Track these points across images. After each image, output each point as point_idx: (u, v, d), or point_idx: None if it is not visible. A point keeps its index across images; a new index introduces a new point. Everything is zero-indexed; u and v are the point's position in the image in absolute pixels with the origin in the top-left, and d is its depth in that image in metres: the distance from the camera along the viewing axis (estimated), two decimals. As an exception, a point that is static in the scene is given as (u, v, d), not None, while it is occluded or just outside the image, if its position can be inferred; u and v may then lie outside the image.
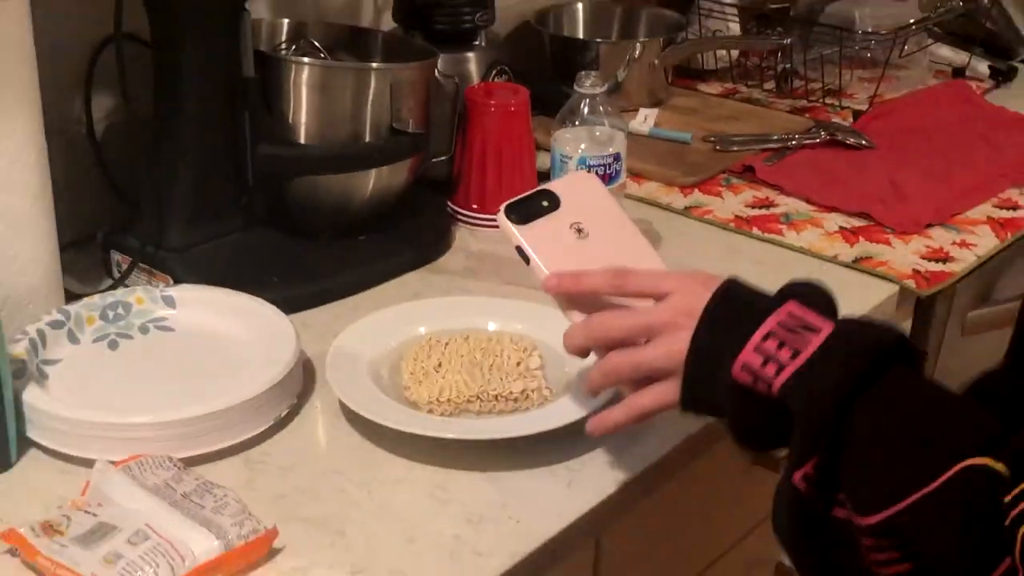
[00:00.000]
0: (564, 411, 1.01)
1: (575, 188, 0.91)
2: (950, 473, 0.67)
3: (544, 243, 0.87)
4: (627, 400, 0.86)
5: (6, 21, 1.01)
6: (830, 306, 0.79)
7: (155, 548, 0.84)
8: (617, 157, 1.22)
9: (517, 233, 0.87)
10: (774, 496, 0.75)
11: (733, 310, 0.78)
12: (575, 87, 1.23)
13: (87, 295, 1.14)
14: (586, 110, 1.23)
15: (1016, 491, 0.65)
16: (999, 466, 0.66)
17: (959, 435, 0.69)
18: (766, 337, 0.74)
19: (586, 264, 0.86)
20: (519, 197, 0.89)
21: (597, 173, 1.22)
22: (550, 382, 1.06)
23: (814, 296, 0.78)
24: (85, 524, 0.87)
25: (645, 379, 0.85)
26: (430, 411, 1.02)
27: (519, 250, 0.88)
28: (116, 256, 1.23)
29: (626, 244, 0.89)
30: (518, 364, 1.07)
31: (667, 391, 0.82)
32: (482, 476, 0.97)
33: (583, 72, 1.23)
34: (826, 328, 0.74)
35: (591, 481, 0.97)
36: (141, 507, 0.88)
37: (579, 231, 0.88)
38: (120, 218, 1.26)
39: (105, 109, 1.30)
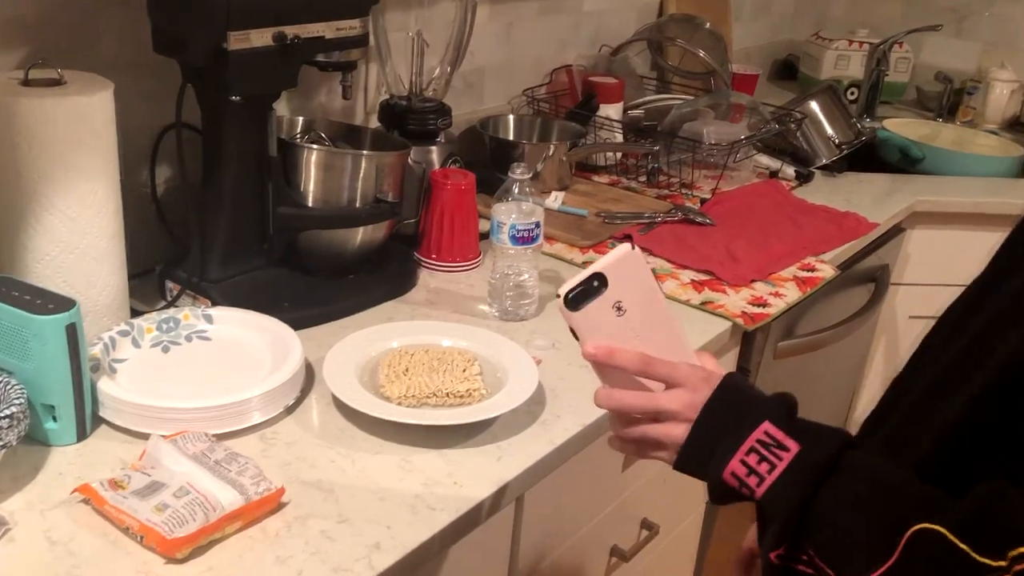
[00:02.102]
0: (496, 406, 1.00)
1: (622, 267, 0.75)
2: (904, 540, 0.62)
3: (591, 322, 0.75)
4: (640, 429, 0.79)
5: (96, 110, 0.98)
6: (791, 413, 0.74)
7: (194, 500, 0.82)
8: (538, 224, 1.21)
9: (571, 319, 0.74)
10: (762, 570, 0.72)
11: (723, 417, 0.74)
12: (509, 174, 1.22)
13: (147, 312, 1.11)
14: (516, 190, 1.22)
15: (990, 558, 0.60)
16: (943, 529, 0.61)
17: (905, 506, 0.64)
18: (748, 452, 0.71)
19: (622, 337, 0.75)
20: (576, 283, 0.74)
21: (522, 236, 1.21)
22: (486, 384, 1.05)
23: (781, 411, 0.73)
24: (141, 481, 0.84)
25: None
26: (399, 403, 1.01)
27: (572, 330, 0.76)
28: (169, 284, 1.21)
29: (656, 320, 0.77)
30: (464, 370, 1.06)
31: (663, 455, 0.79)
32: (436, 452, 0.96)
33: (515, 163, 1.23)
34: (793, 448, 0.70)
35: (515, 457, 0.97)
36: (184, 469, 0.86)
37: (619, 309, 0.75)
38: (173, 257, 1.23)
39: (165, 176, 1.27)
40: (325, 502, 0.88)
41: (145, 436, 0.92)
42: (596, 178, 1.79)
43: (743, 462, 0.71)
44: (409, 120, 1.44)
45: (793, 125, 1.88)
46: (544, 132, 1.77)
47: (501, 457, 0.97)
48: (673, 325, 0.78)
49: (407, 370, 1.05)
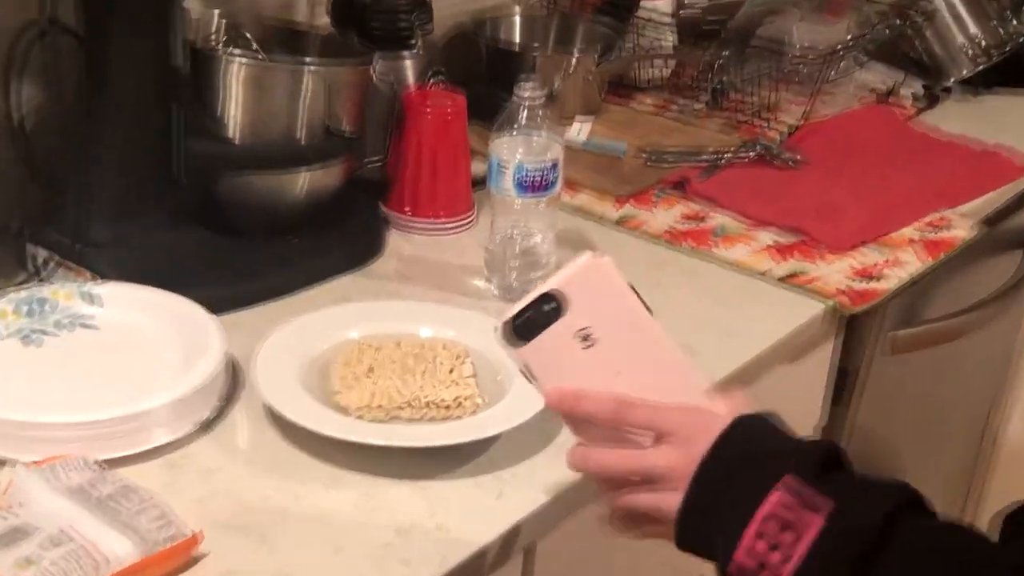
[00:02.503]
0: (496, 420, 1.01)
1: (586, 282, 0.76)
2: None
3: (548, 359, 0.76)
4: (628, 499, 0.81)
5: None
6: (829, 462, 0.74)
7: (73, 552, 0.82)
8: (554, 165, 1.21)
9: (519, 355, 0.76)
10: None
11: (729, 475, 0.74)
12: (515, 94, 1.22)
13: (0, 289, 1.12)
14: (524, 117, 1.21)
15: None
16: None
17: None
18: (767, 519, 0.72)
19: (594, 376, 0.77)
20: (519, 308, 0.75)
21: (533, 182, 1.21)
22: (483, 391, 1.05)
23: (811, 460, 0.74)
24: (1, 526, 0.84)
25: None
26: (360, 417, 1.01)
27: (523, 371, 0.78)
28: (34, 250, 1.20)
29: (644, 350, 0.78)
30: (451, 371, 1.06)
31: (660, 531, 0.79)
32: (411, 484, 0.97)
33: (523, 77, 1.22)
34: (825, 508, 0.71)
35: (521, 492, 0.97)
36: (59, 508, 0.86)
37: (585, 339, 0.76)
38: (41, 210, 1.22)
39: (28, 97, 1.26)
40: (257, 555, 0.88)
41: (2, 463, 0.92)
42: (637, 101, 1.79)
43: (760, 533, 0.71)
44: (373, 19, 1.43)
45: (916, 24, 1.87)
46: (564, 36, 1.76)
47: (503, 493, 0.97)
48: (671, 356, 0.78)
49: (371, 370, 1.05)
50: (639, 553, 1.19)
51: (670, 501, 0.75)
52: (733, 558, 0.72)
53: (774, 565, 0.71)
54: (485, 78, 1.66)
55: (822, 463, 0.73)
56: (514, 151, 1.21)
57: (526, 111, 1.22)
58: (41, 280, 1.17)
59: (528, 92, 1.21)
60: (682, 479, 0.75)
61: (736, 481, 0.74)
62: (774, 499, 0.72)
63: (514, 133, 1.22)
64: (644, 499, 0.78)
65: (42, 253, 1.19)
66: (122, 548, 0.83)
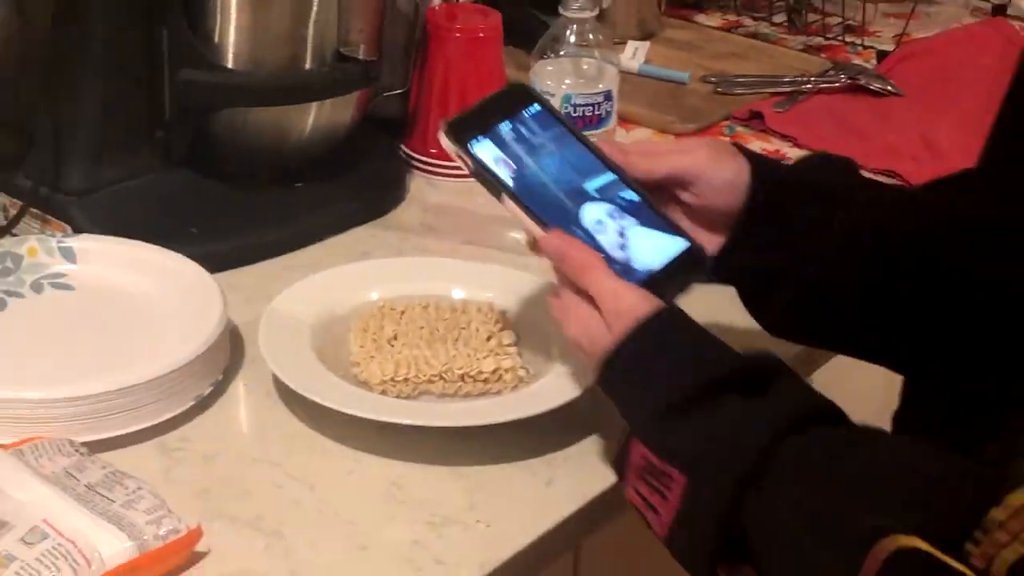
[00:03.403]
0: (544, 396, 1.02)
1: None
2: (877, 565, 0.72)
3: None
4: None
5: None
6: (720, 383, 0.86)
7: (55, 549, 0.83)
8: (608, 95, 1.23)
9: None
10: None
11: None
12: (560, 10, 1.23)
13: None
14: (572, 38, 1.23)
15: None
16: (918, 543, 0.72)
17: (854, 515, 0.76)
18: (639, 477, 0.85)
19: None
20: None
21: (584, 113, 1.22)
22: (527, 361, 1.06)
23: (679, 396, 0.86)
24: (-31, 520, 0.86)
25: None
26: (383, 392, 1.02)
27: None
28: (2, 199, 1.23)
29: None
30: (488, 339, 1.07)
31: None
32: (446, 471, 0.98)
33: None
34: (679, 480, 0.83)
35: (574, 479, 0.98)
36: (37, 499, 0.87)
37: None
38: (7, 154, 1.24)
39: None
40: (269, 553, 0.89)
41: (-29, 446, 0.94)
42: (701, 19, 1.82)
43: (636, 487, 0.86)
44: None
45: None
46: (614, -58, 1.77)
47: (552, 480, 0.98)
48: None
49: (395, 338, 1.06)
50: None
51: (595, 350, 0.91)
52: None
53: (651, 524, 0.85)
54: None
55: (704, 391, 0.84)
56: (560, 79, 1.22)
57: (574, 30, 1.23)
58: (11, 234, 1.19)
59: (576, 7, 1.22)
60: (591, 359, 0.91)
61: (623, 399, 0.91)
62: (635, 453, 0.86)
63: (560, 56, 1.22)
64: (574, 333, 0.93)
65: (10, 203, 1.22)
66: (113, 545, 0.84)
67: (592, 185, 0.96)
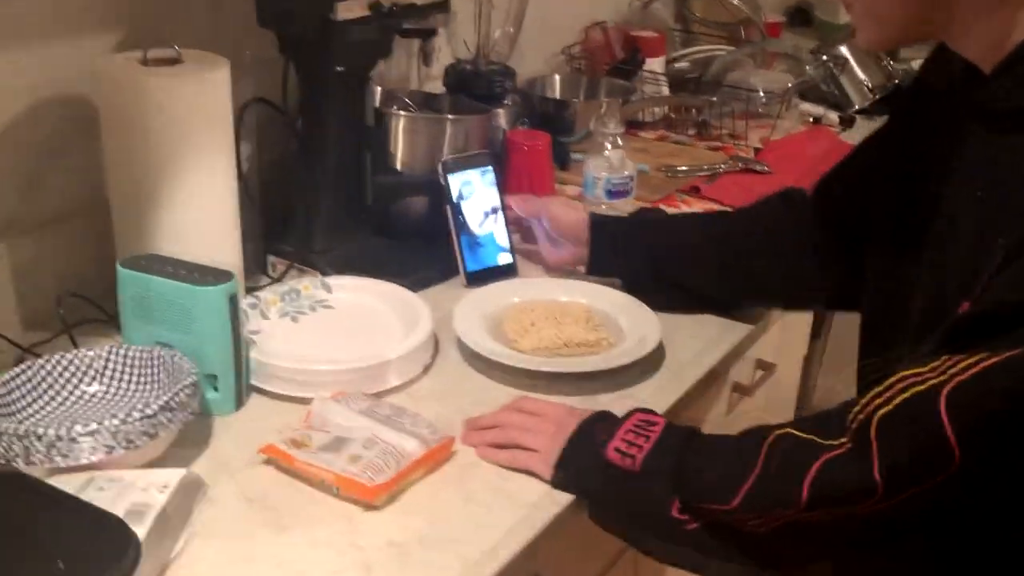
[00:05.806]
0: (626, 353, 1.08)
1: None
2: (764, 448, 0.79)
3: None
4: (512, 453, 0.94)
5: (218, 85, 1.05)
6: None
7: (384, 450, 0.89)
8: (632, 178, 1.29)
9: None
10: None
11: (593, 429, 0.92)
12: (598, 129, 1.30)
13: (252, 289, 1.18)
14: (608, 145, 1.30)
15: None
16: (794, 430, 0.79)
17: (761, 431, 0.82)
18: (627, 432, 0.88)
19: None
20: None
21: (617, 190, 1.29)
22: (608, 335, 1.12)
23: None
24: (324, 438, 0.92)
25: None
26: (533, 355, 1.08)
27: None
28: (272, 259, 1.27)
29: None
30: (587, 322, 1.14)
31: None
32: (567, 399, 1.03)
33: (603, 117, 1.30)
34: (660, 421, 0.89)
35: (650, 396, 1.05)
36: (360, 424, 0.93)
37: None
38: (269, 232, 1.28)
39: (246, 154, 1.32)
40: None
41: (296, 400, 1.00)
42: (645, 133, 1.87)
43: (624, 438, 0.88)
44: (476, 83, 1.52)
45: (835, 69, 1.99)
46: (591, 90, 1.85)
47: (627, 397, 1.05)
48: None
49: (533, 324, 1.13)
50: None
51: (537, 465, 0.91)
52: (607, 456, 0.87)
53: (633, 456, 0.86)
54: (538, 123, 1.73)
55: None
56: (600, 169, 1.29)
57: (610, 140, 1.31)
58: (277, 282, 1.23)
59: (612, 127, 1.30)
60: (559, 435, 0.91)
61: (601, 428, 0.91)
62: (631, 422, 0.89)
63: (601, 156, 1.30)
64: (520, 460, 0.92)
65: (277, 261, 1.27)
66: (412, 447, 0.91)
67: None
